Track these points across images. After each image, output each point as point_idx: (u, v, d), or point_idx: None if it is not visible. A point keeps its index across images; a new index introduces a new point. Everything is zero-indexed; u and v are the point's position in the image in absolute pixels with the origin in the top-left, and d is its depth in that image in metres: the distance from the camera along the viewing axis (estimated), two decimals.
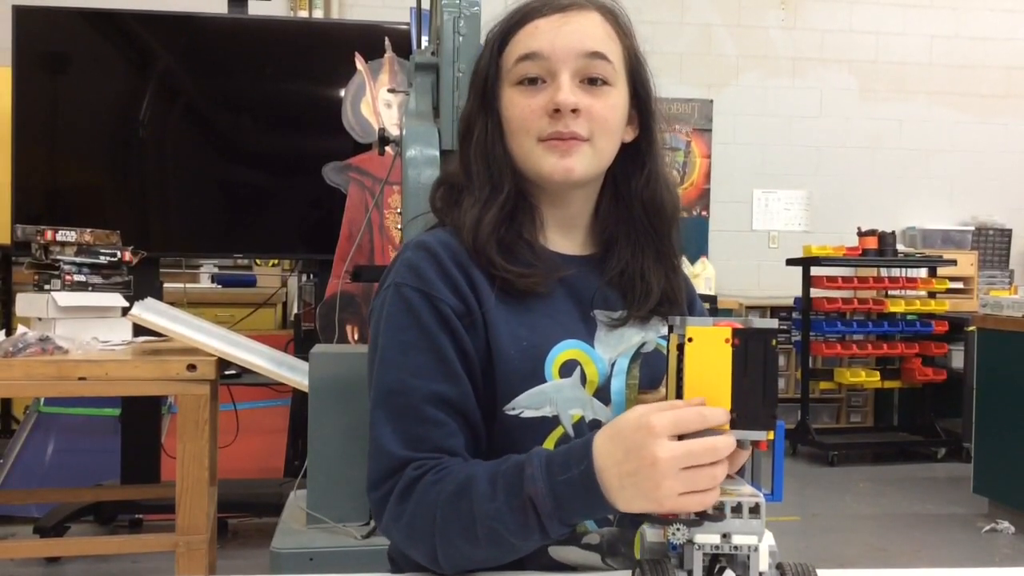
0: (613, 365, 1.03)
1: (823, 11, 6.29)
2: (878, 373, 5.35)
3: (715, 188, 6.21)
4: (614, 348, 1.04)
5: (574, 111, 1.00)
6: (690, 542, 0.78)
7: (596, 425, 0.98)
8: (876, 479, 4.81)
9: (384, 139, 2.11)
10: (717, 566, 0.79)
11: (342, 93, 3.51)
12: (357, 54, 3.50)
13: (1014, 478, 3.84)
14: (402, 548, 0.99)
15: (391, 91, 3.39)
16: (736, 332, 0.79)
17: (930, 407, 5.37)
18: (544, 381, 0.99)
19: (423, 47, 2.35)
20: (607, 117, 1.03)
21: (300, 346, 3.67)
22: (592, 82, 1.02)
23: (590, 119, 1.01)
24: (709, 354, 0.79)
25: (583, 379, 1.01)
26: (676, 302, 1.09)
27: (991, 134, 6.45)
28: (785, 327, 5.62)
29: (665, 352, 0.93)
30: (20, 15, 3.38)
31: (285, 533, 2.08)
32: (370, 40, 3.55)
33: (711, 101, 6.17)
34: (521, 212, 1.05)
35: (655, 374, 1.04)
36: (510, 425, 0.98)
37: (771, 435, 0.80)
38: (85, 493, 3.32)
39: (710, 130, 6.19)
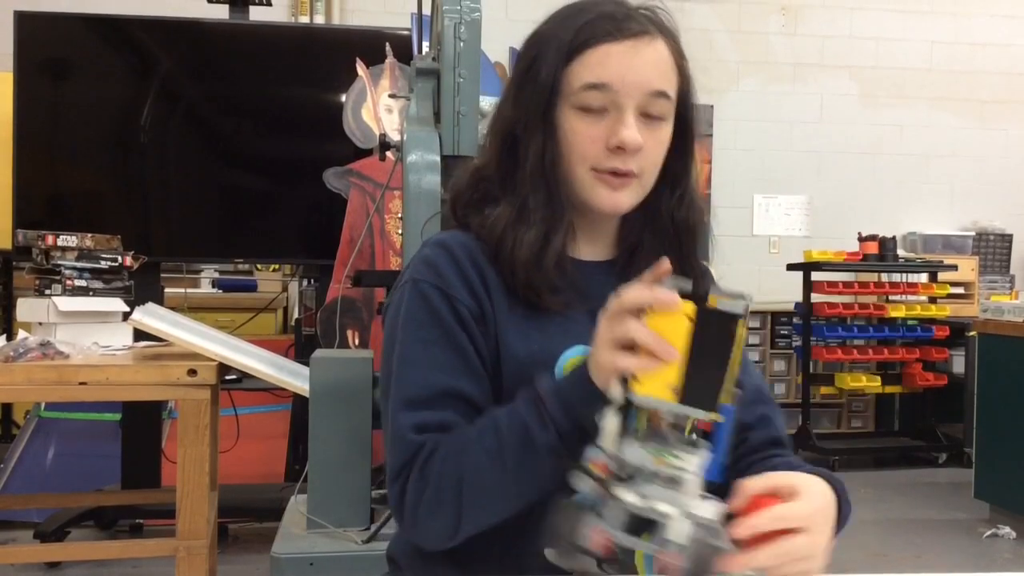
0: None
1: (823, 17, 6.29)
2: (879, 378, 5.34)
3: (716, 193, 6.21)
4: None
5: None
6: (614, 495, 0.78)
7: None
8: (877, 484, 4.80)
9: (385, 144, 2.11)
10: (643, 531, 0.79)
11: (343, 98, 3.52)
12: (358, 59, 3.51)
13: (1015, 483, 3.83)
14: (428, 522, 0.96)
15: (392, 96, 3.40)
16: (699, 312, 0.79)
17: (931, 412, 5.37)
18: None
19: (424, 52, 2.35)
20: (658, 153, 1.03)
21: (301, 351, 3.67)
22: (649, 116, 1.01)
23: (644, 156, 1.01)
24: (668, 325, 0.79)
25: None
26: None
27: (991, 139, 6.45)
28: (785, 331, 5.63)
29: None
30: (22, 20, 3.39)
31: (285, 538, 2.07)
32: (371, 46, 3.56)
33: (712, 107, 6.17)
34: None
35: None
36: None
37: (716, 417, 0.79)
38: (85, 498, 3.32)
39: (711, 135, 6.19)
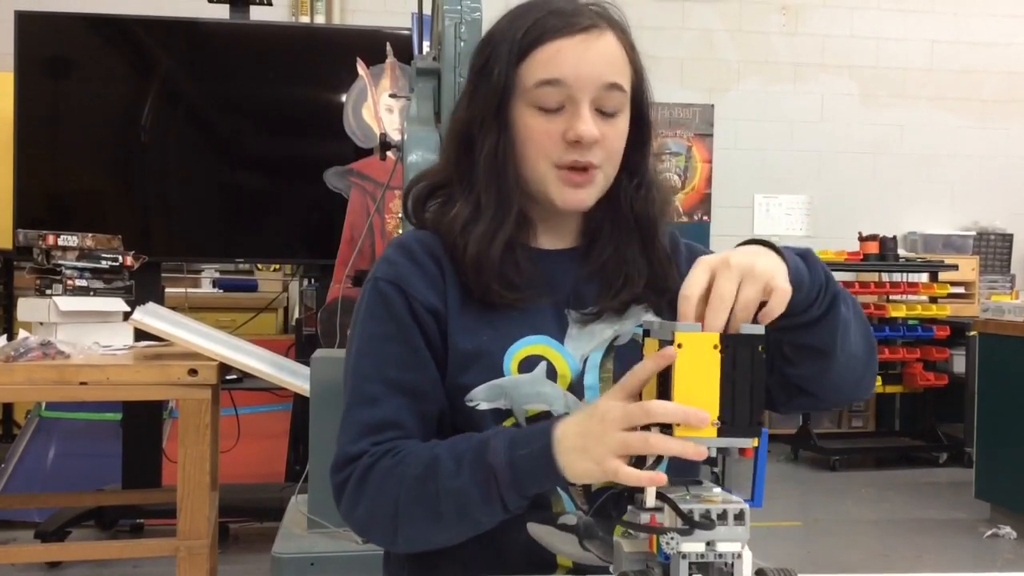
0: (586, 361, 1.04)
1: (824, 16, 6.29)
2: (879, 378, 5.33)
3: (716, 193, 6.21)
4: (586, 344, 1.04)
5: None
6: (678, 552, 0.78)
7: None
8: (878, 484, 4.80)
9: (385, 144, 2.11)
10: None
11: (344, 98, 3.52)
12: (359, 59, 3.50)
13: (1016, 483, 3.83)
14: (359, 533, 1.04)
15: (392, 96, 3.39)
16: (724, 339, 0.79)
17: (932, 412, 5.36)
18: (502, 375, 1.00)
19: (424, 52, 2.35)
20: (618, 146, 1.05)
21: (301, 351, 3.66)
22: (605, 109, 1.03)
23: (604, 147, 1.03)
24: (697, 360, 0.79)
25: (554, 375, 1.01)
26: (664, 289, 1.09)
27: (992, 139, 6.45)
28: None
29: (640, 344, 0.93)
30: (23, 20, 3.39)
31: (286, 538, 2.07)
32: (371, 45, 3.56)
33: (712, 106, 6.17)
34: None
35: (629, 367, 1.04)
36: (471, 414, 1.01)
37: (756, 442, 0.80)
38: (86, 498, 3.32)
39: (711, 135, 6.19)
